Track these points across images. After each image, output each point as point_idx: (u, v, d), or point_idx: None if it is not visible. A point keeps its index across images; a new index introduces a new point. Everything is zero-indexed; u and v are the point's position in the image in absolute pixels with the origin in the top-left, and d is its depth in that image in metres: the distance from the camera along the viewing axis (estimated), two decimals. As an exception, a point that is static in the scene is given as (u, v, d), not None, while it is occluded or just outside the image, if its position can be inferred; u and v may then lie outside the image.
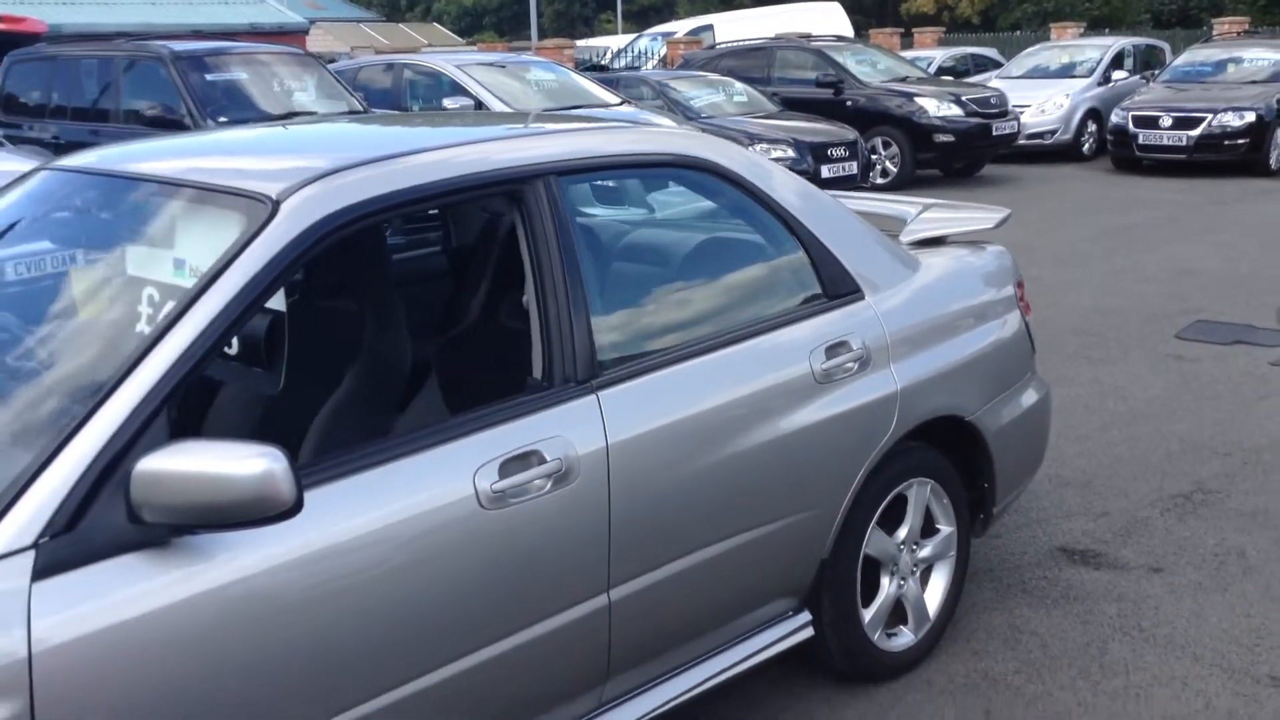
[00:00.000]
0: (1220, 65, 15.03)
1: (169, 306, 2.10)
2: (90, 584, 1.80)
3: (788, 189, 3.03)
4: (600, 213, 3.64)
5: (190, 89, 9.06)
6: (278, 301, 2.70)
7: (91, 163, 2.72)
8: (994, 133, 13.60)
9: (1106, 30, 24.47)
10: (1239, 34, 17.95)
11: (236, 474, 1.78)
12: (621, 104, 11.29)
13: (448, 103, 10.51)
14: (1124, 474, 4.76)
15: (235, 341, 2.68)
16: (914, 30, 24.03)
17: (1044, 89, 15.88)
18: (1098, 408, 5.59)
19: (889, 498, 3.14)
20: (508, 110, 10.43)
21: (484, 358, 2.84)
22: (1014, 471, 3.54)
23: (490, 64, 11.61)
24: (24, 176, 2.93)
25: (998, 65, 19.57)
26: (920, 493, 3.24)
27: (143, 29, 21.73)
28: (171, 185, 2.44)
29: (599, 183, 3.61)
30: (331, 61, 13.30)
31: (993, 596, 3.75)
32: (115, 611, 1.80)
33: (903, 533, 3.22)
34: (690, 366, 2.65)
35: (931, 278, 3.31)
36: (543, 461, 2.33)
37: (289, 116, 9.37)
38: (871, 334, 3.03)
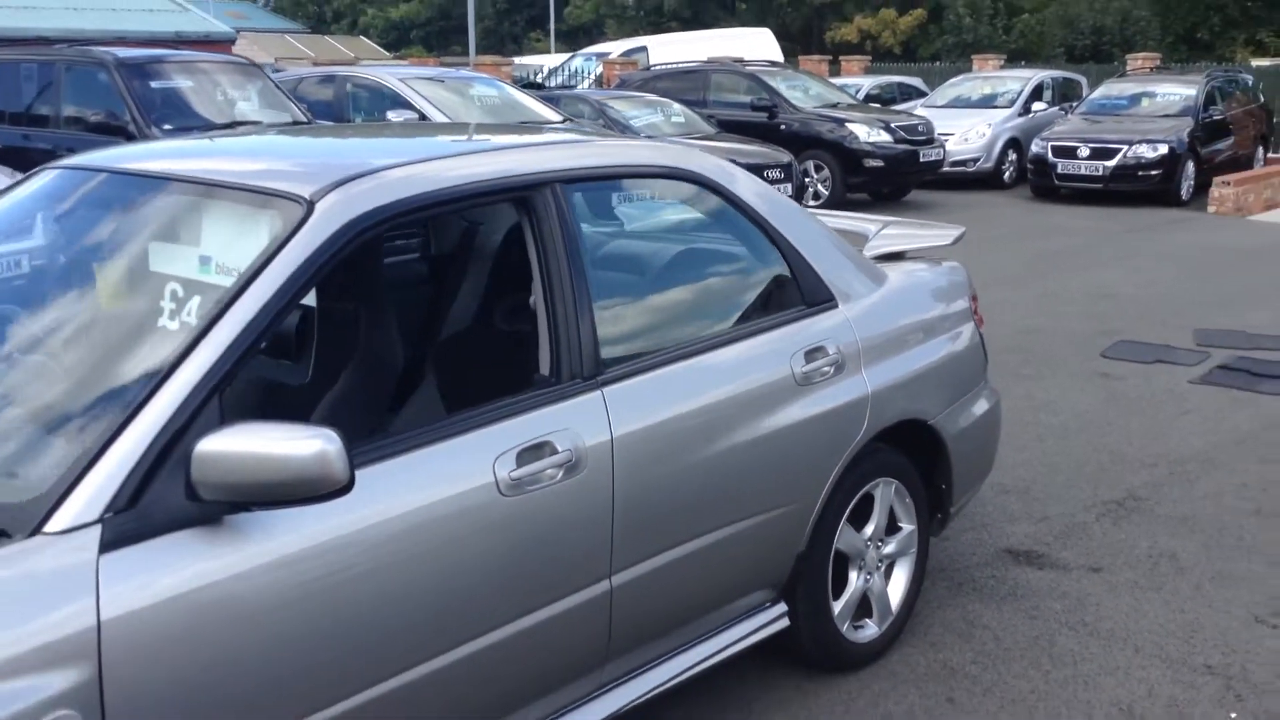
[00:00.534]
0: (1135, 99, 15.68)
1: (195, 300, 2.22)
2: (151, 557, 1.90)
3: (769, 202, 3.21)
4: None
5: (134, 96, 9.02)
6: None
7: (107, 161, 2.80)
8: (921, 159, 14.03)
9: (1023, 63, 25.25)
10: (1151, 69, 18.70)
11: (294, 454, 1.90)
12: (563, 121, 11.44)
13: (391, 115, 10.57)
14: (1060, 482, 5.02)
15: None
16: (841, 58, 24.57)
17: (967, 118, 16.40)
18: (1032, 421, 5.86)
19: (858, 496, 3.33)
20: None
21: (492, 354, 2.97)
22: (970, 473, 3.76)
23: (433, 79, 11.69)
24: (29, 175, 3.00)
25: (922, 94, 20.13)
26: (885, 492, 3.43)
27: (65, 35, 21.33)
28: (198, 184, 2.54)
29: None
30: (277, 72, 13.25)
31: (946, 594, 3.96)
32: (175, 583, 1.91)
33: (869, 529, 3.41)
34: (685, 366, 2.82)
35: (896, 289, 3.52)
36: (555, 452, 2.47)
37: (233, 125, 9.38)
38: (845, 340, 3.22)
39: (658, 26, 41.71)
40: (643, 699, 2.81)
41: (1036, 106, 16.89)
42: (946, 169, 15.07)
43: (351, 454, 1.95)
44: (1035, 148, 14.90)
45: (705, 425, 2.81)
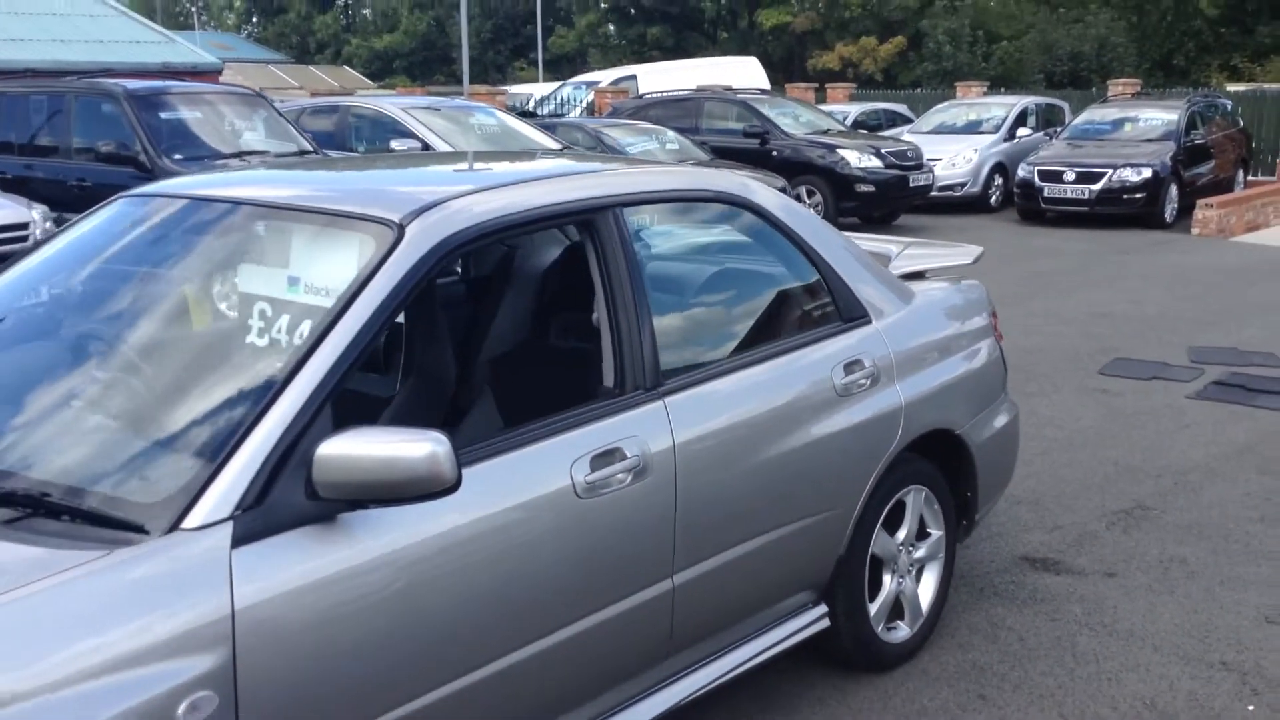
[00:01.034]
0: (1118, 124, 16.01)
1: (284, 318, 2.38)
2: (276, 552, 2.05)
3: (806, 223, 3.40)
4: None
5: (145, 126, 9.17)
6: None
7: (187, 188, 2.96)
8: (911, 184, 14.29)
9: (1003, 90, 25.67)
10: (1132, 95, 19.07)
11: (407, 455, 2.05)
12: (562, 149, 11.64)
13: (395, 145, 10.75)
14: (1069, 493, 5.20)
15: None
16: (826, 85, 24.93)
17: (953, 144, 16.70)
18: (1037, 435, 6.04)
19: (891, 502, 3.50)
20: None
21: (559, 367, 3.13)
22: (993, 482, 3.94)
23: (433, 108, 11.88)
24: (105, 203, 3.15)
25: (908, 120, 20.46)
26: (917, 499, 3.60)
27: (53, 67, 21.46)
28: (286, 209, 2.70)
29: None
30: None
31: (969, 599, 4.13)
32: (297, 575, 2.06)
33: (901, 534, 3.58)
34: (737, 378, 2.99)
35: (923, 306, 3.70)
36: (624, 458, 2.63)
37: (240, 155, 9.55)
38: (880, 354, 3.40)
39: (641, 56, 42.13)
40: (699, 693, 2.96)
41: (1021, 132, 17.22)
42: (934, 193, 15.35)
43: (459, 456, 2.10)
44: (1022, 172, 15.20)
45: (756, 433, 2.98)
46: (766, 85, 21.71)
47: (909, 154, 14.56)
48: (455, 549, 2.29)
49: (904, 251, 4.08)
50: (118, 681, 1.83)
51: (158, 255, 2.87)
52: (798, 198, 13.71)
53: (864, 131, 17.68)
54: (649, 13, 46.72)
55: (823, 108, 19.11)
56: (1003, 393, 4.04)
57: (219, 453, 2.08)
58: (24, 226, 7.71)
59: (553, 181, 2.88)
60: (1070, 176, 14.64)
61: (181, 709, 1.88)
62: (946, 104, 19.35)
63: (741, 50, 36.81)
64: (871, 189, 13.88)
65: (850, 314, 3.40)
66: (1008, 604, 4.09)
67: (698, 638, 2.95)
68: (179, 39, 30.82)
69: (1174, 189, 14.65)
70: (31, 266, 2.96)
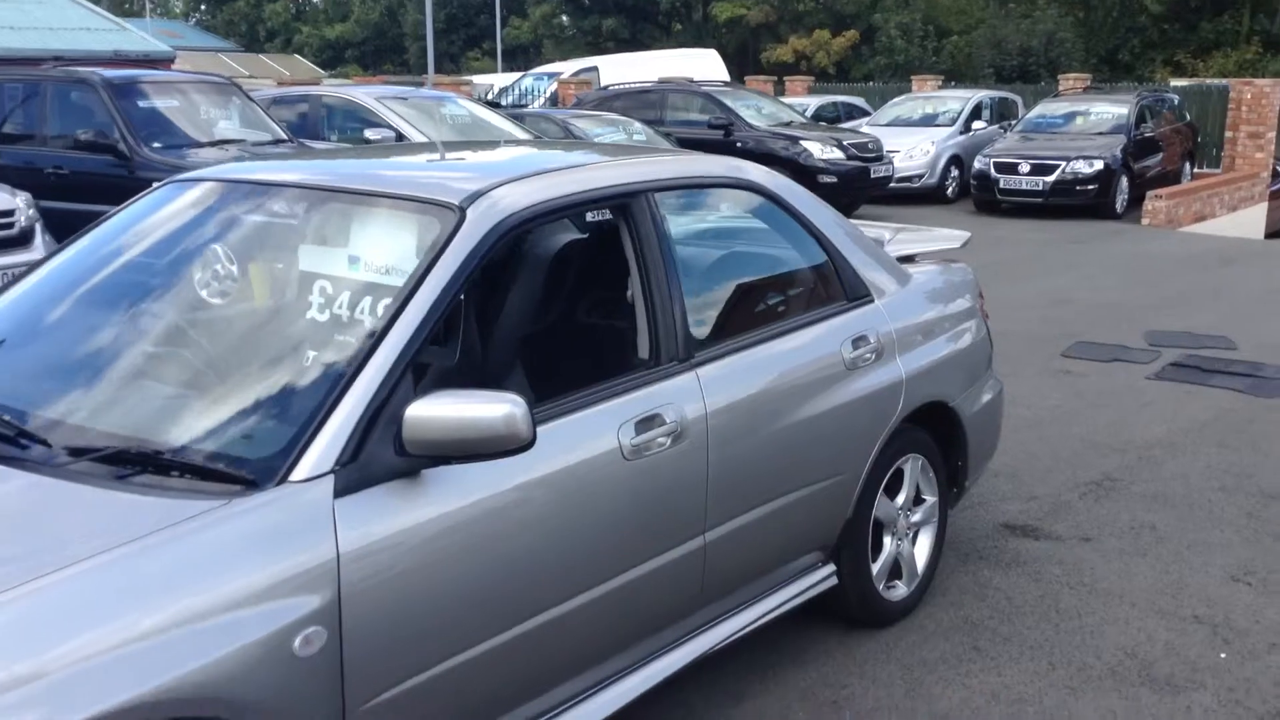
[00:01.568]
0: (1069, 117, 16.47)
1: (345, 295, 2.57)
2: (372, 502, 2.26)
3: (815, 208, 3.64)
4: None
5: (123, 114, 9.23)
6: None
7: (242, 173, 3.13)
8: (872, 175, 14.60)
9: (953, 83, 26.14)
10: (1083, 89, 19.56)
11: (488, 415, 2.26)
12: (533, 139, 11.81)
13: (370, 134, 10.86)
14: (1041, 467, 5.50)
15: None
16: (785, 78, 25.24)
17: (911, 136, 17.06)
18: (1008, 414, 6.24)
19: (891, 470, 3.75)
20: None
21: (600, 339, 3.34)
22: (981, 452, 4.21)
23: (401, 98, 11.99)
24: (155, 188, 3.31)
25: (865, 113, 20.82)
26: (914, 466, 3.86)
27: (3, 54, 21.26)
28: (348, 193, 2.89)
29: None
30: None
31: (957, 563, 4.40)
32: (392, 523, 2.27)
33: (900, 499, 3.83)
34: (760, 351, 3.23)
35: (919, 286, 3.96)
36: (663, 423, 2.85)
37: (217, 143, 9.63)
38: (882, 330, 3.65)
39: (596, 47, 42.25)
40: (722, 644, 3.20)
41: (976, 125, 17.61)
42: (893, 185, 15.67)
43: (534, 416, 2.32)
44: (979, 164, 15.59)
45: (777, 402, 3.21)
46: (726, 77, 21.98)
47: (870, 146, 14.87)
48: (525, 503, 2.51)
49: (896, 236, 4.33)
50: (245, 616, 2.02)
51: (223, 236, 3.03)
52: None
53: (824, 124, 17.98)
54: (604, 4, 46.85)
55: (783, 100, 19.41)
56: (989, 369, 4.30)
57: (317, 413, 2.27)
58: (10, 214, 7.76)
59: (594, 169, 3.09)
60: (1025, 169, 15.05)
61: (298, 641, 2.08)
62: (903, 97, 19.73)
63: (697, 42, 37.05)
64: (834, 180, 14.16)
65: (855, 293, 3.65)
66: (993, 566, 4.36)
67: (724, 592, 3.18)
68: (131, 27, 30.55)
69: (1125, 181, 15.11)
70: (101, 239, 3.11)
